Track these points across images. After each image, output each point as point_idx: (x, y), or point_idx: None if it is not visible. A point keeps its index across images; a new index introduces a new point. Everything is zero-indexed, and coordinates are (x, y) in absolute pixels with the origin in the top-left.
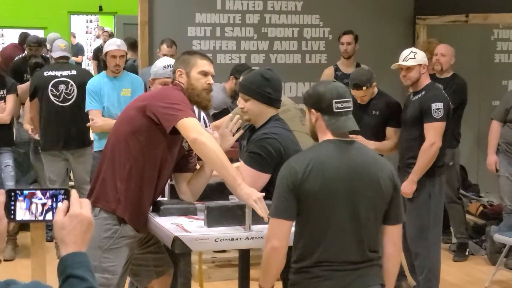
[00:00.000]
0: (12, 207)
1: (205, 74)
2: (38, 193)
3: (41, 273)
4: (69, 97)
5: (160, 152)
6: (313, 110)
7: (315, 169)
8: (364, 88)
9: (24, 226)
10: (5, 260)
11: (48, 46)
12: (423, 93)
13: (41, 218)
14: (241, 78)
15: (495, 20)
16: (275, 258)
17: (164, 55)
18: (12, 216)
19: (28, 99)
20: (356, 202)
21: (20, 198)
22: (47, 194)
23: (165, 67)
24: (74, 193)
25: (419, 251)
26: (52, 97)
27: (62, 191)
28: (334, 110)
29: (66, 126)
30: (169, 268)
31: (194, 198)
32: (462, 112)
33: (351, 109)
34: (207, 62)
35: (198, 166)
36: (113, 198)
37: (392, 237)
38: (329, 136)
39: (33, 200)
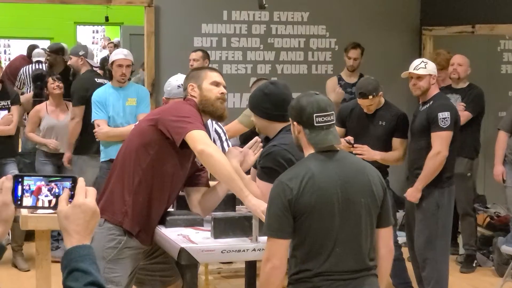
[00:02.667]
0: (19, 193)
1: (217, 84)
2: (44, 189)
3: (46, 284)
4: None
5: (171, 168)
6: (295, 123)
7: (310, 184)
8: (371, 97)
9: (29, 236)
10: (21, 271)
11: (82, 52)
12: (431, 103)
13: (46, 205)
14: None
15: (501, 31)
16: (277, 277)
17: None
18: (18, 202)
19: (71, 104)
20: (352, 211)
21: (27, 194)
22: (53, 189)
23: (179, 87)
24: (80, 181)
25: (427, 262)
26: None
27: (70, 179)
28: (315, 124)
29: None
30: (177, 279)
31: (204, 214)
32: (481, 121)
33: (333, 122)
34: (217, 74)
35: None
36: (120, 210)
37: (385, 239)
38: (311, 150)
39: (39, 197)
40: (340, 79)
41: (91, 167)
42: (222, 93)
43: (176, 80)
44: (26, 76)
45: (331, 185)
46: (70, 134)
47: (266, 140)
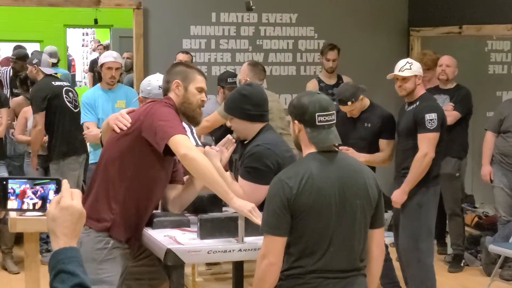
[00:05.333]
0: (3, 196)
1: (201, 90)
2: (29, 192)
3: (35, 286)
4: (77, 104)
5: (155, 172)
6: (296, 121)
7: (309, 183)
8: (349, 103)
9: (18, 239)
10: (11, 273)
11: (35, 61)
12: (417, 103)
13: (31, 208)
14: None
15: (488, 31)
16: (272, 274)
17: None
18: (4, 205)
19: (31, 111)
20: (348, 212)
21: (12, 197)
22: (38, 192)
23: (160, 87)
24: (65, 183)
25: (410, 262)
26: (68, 104)
27: (54, 181)
28: (317, 123)
29: (81, 131)
30: (165, 281)
31: (181, 209)
32: (468, 121)
33: (334, 122)
34: (203, 79)
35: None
36: (107, 218)
37: (377, 240)
38: (312, 149)
39: (25, 200)
40: (320, 81)
41: (71, 171)
42: (203, 100)
43: (157, 80)
44: (5, 78)
45: (329, 186)
46: (33, 142)
47: (242, 144)
